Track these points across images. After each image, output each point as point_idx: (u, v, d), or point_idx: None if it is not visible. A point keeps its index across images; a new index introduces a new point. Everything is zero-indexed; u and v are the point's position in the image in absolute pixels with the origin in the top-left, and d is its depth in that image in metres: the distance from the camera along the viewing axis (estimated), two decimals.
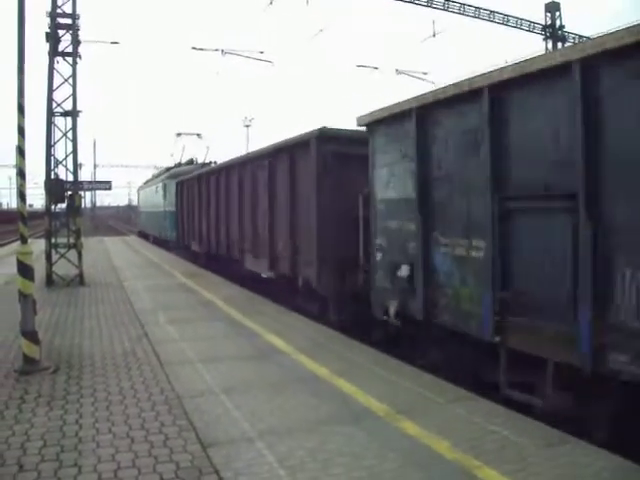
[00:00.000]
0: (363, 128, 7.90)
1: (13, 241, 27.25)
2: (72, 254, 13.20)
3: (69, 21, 13.04)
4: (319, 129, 9.08)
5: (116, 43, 22.83)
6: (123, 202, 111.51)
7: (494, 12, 26.50)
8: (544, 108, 4.90)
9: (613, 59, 4.26)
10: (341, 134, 9.06)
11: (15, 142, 6.43)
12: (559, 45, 26.58)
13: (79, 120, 13.36)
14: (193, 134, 35.42)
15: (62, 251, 13.28)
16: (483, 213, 5.51)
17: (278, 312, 9.56)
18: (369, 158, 7.68)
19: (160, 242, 28.26)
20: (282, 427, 4.42)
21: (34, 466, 3.76)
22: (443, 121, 6.20)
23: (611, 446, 3.99)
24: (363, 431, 4.32)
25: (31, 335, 6.06)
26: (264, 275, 11.93)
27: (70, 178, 13.39)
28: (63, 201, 13.29)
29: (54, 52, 12.96)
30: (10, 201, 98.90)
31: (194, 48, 24.41)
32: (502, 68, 5.36)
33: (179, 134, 35.02)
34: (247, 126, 58.74)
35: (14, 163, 7.72)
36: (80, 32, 13.20)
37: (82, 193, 15.63)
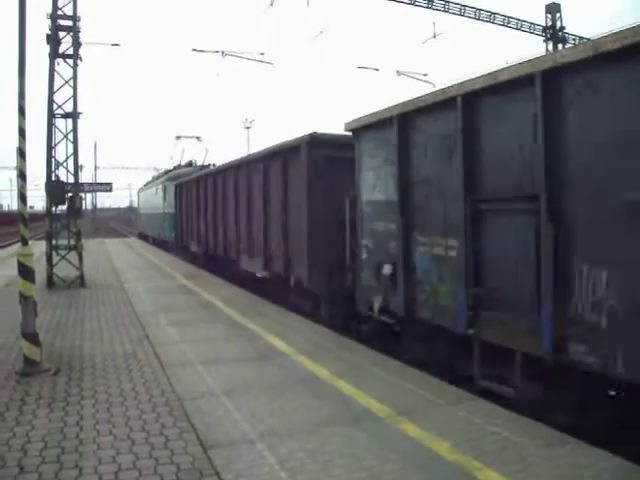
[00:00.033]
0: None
1: (14, 243, 27.26)
2: (73, 256, 13.22)
3: (70, 23, 13.08)
4: (309, 134, 9.34)
5: (117, 45, 22.84)
6: (124, 204, 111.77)
7: (494, 14, 26.49)
8: (511, 116, 5.25)
9: (571, 71, 4.58)
10: (332, 139, 9.27)
11: (16, 144, 6.46)
12: (559, 46, 26.59)
13: (80, 122, 13.42)
14: (192, 137, 35.52)
15: (63, 253, 13.30)
16: (457, 214, 5.85)
17: (278, 313, 9.56)
18: (355, 162, 8.04)
19: (159, 243, 28.63)
20: (283, 429, 4.42)
21: (35, 468, 3.76)
22: (422, 128, 6.56)
23: (611, 446, 4.00)
24: (363, 432, 4.33)
25: (32, 337, 6.06)
26: (259, 274, 12.24)
27: (71, 180, 13.42)
28: (64, 203, 13.31)
29: (55, 54, 12.99)
30: (11, 203, 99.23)
31: (194, 50, 24.45)
32: (474, 78, 5.67)
33: (178, 137, 35.12)
34: (247, 128, 58.80)
35: (15, 165, 7.73)
36: (81, 34, 13.28)
37: (83, 195, 15.62)
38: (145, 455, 3.96)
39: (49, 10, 12.86)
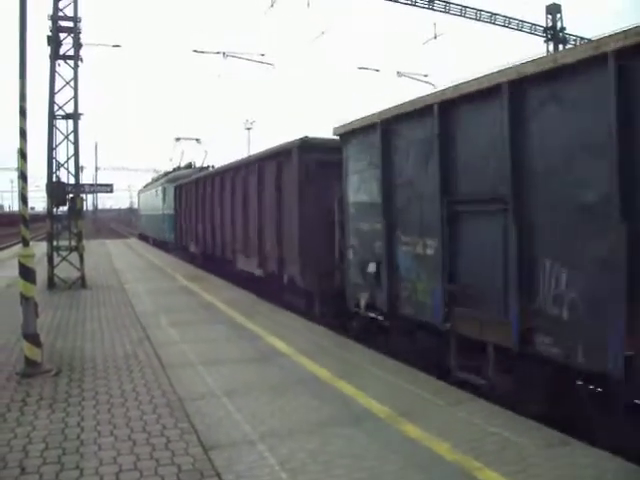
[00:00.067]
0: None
1: (15, 244, 27.28)
2: (74, 257, 13.23)
3: (71, 24, 13.10)
4: (301, 139, 9.66)
5: (117, 46, 22.89)
6: (125, 205, 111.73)
7: (495, 14, 26.50)
8: (482, 124, 5.61)
9: (534, 83, 4.92)
10: (323, 143, 9.51)
11: (17, 145, 6.47)
12: (560, 47, 26.58)
13: (80, 123, 13.45)
14: (192, 139, 35.57)
15: (64, 254, 13.31)
16: (434, 215, 6.23)
17: (279, 314, 9.58)
18: (343, 165, 8.40)
19: (159, 244, 28.95)
20: (283, 429, 4.43)
21: (36, 469, 3.76)
22: (403, 133, 6.92)
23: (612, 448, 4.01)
24: (364, 433, 4.33)
25: (33, 338, 6.07)
26: (255, 273, 12.53)
27: (72, 181, 13.44)
28: (65, 204, 13.33)
29: (56, 55, 13.02)
30: (12, 204, 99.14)
31: (195, 51, 24.50)
32: (449, 87, 6.05)
33: (178, 139, 35.17)
34: (248, 129, 58.80)
35: (16, 166, 7.75)
36: (81, 35, 13.31)
37: (84, 196, 15.63)
38: (146, 456, 3.96)
39: (50, 11, 12.89)
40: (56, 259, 13.11)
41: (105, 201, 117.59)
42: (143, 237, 37.51)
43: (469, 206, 5.85)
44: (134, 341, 7.50)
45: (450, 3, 25.26)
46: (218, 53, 24.70)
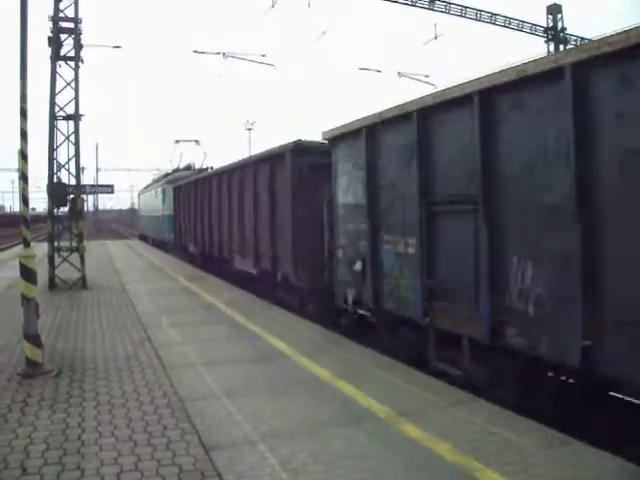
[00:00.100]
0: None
1: (16, 244, 27.31)
2: (75, 257, 13.24)
3: (71, 25, 13.11)
4: (294, 142, 9.89)
5: (118, 47, 22.95)
6: (125, 205, 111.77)
7: (496, 15, 26.53)
8: (456, 131, 5.94)
9: (502, 92, 5.26)
10: (316, 146, 9.66)
11: (18, 146, 6.48)
12: (561, 47, 26.57)
13: (81, 124, 13.47)
14: (191, 141, 35.61)
15: (65, 254, 13.33)
16: (415, 215, 6.56)
17: (279, 315, 9.59)
18: (332, 168, 8.70)
19: (159, 244, 29.24)
20: (284, 430, 4.43)
21: (37, 469, 3.77)
22: (387, 138, 7.28)
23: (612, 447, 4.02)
24: (364, 433, 4.34)
25: (34, 338, 6.08)
26: (250, 272, 12.85)
27: (72, 182, 13.46)
28: (65, 205, 13.34)
29: (56, 56, 13.04)
30: (13, 205, 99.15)
31: (196, 52, 24.56)
32: (428, 95, 6.48)
33: (177, 141, 35.20)
34: (249, 129, 58.82)
35: (16, 167, 7.76)
36: (82, 36, 13.31)
37: (84, 197, 15.66)
38: (147, 457, 3.96)
39: (51, 12, 12.91)
40: (57, 260, 13.12)
41: (106, 202, 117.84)
42: (143, 237, 37.69)
43: (445, 207, 6.20)
44: (135, 342, 7.51)
45: (450, 3, 25.30)
46: (218, 54, 24.79)
